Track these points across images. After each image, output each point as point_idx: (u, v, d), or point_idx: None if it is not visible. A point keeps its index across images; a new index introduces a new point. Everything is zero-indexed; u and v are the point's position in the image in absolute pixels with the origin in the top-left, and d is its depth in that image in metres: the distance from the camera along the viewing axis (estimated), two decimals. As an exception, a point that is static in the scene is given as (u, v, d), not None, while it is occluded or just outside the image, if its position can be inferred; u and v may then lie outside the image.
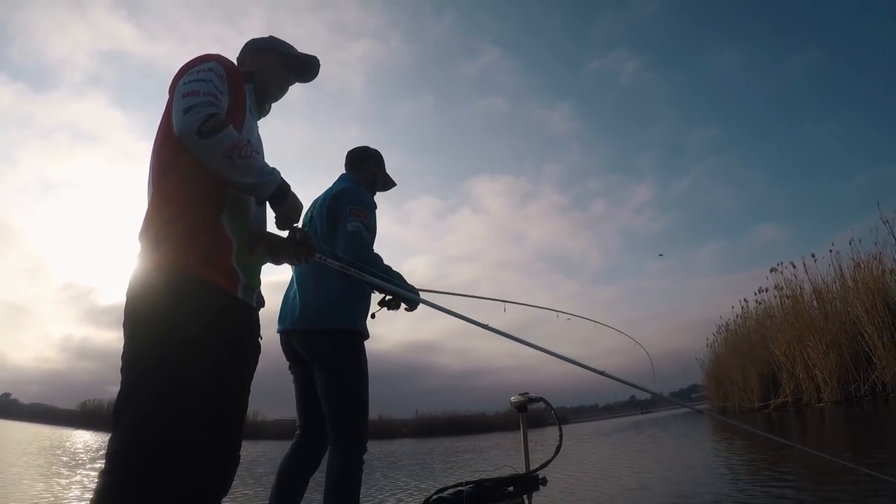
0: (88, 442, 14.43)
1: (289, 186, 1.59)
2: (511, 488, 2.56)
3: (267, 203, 1.65)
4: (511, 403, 2.78)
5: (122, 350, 1.40)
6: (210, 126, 1.40)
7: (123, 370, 1.37)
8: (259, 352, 1.67)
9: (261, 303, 1.69)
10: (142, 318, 1.40)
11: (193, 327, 1.39)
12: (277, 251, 1.81)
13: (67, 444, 13.64)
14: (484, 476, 2.62)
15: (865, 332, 8.98)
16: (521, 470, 2.69)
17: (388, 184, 2.90)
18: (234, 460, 1.54)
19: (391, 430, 29.53)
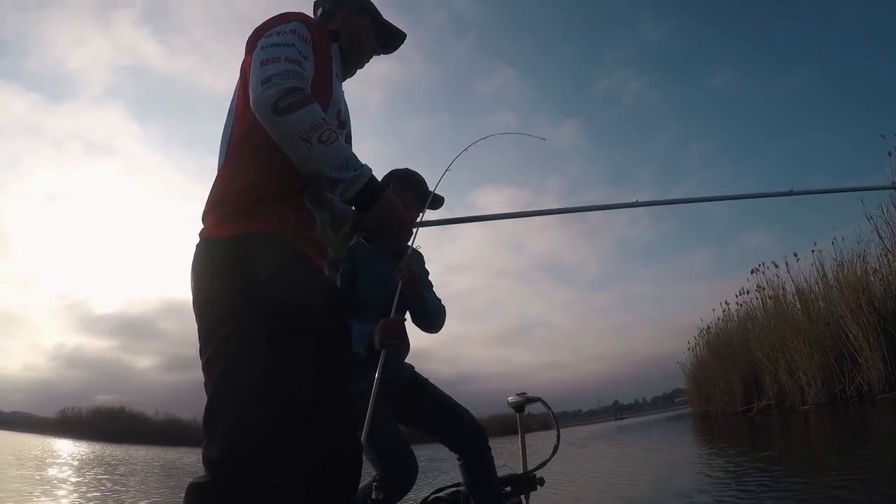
0: (73, 452, 13.91)
1: (383, 188, 1.28)
2: (508, 488, 2.52)
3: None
4: (508, 403, 2.74)
5: (199, 345, 1.21)
6: (289, 102, 1.19)
7: (210, 366, 1.17)
8: (351, 336, 1.54)
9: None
10: (227, 300, 1.19)
11: (291, 308, 1.21)
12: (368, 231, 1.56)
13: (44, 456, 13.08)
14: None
15: (850, 331, 8.94)
16: (519, 470, 2.65)
17: (434, 202, 2.54)
18: (356, 463, 1.37)
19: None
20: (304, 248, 1.29)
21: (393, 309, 2.15)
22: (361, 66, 1.66)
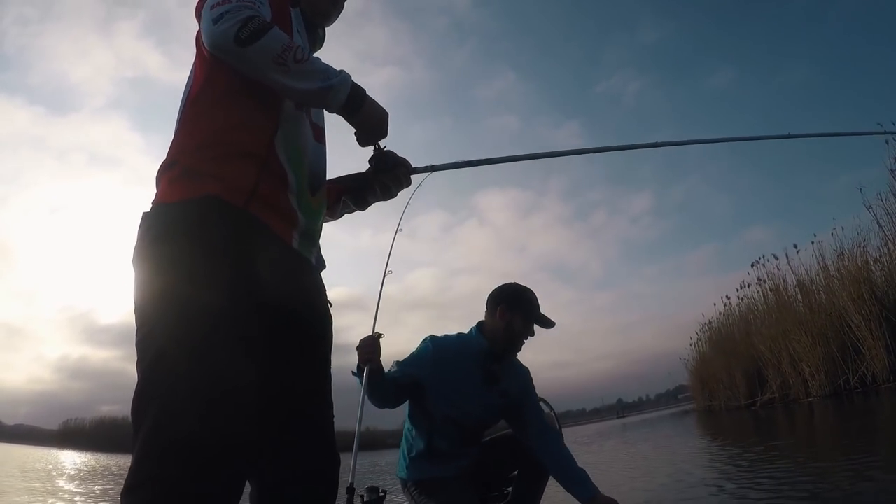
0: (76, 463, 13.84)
1: (363, 89, 1.24)
2: (511, 489, 2.50)
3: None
4: None
5: (135, 332, 1.07)
6: (250, 30, 1.10)
7: (143, 345, 1.03)
8: (330, 321, 1.30)
9: (321, 263, 1.32)
10: (166, 274, 1.06)
11: (231, 287, 1.05)
12: (361, 186, 1.45)
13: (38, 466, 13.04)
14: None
15: (853, 322, 8.89)
16: None
17: (541, 321, 2.39)
18: (325, 477, 1.21)
19: (377, 442, 29.16)
20: (265, 216, 1.15)
21: (374, 325, 2.18)
22: (331, 21, 1.52)
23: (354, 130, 1.31)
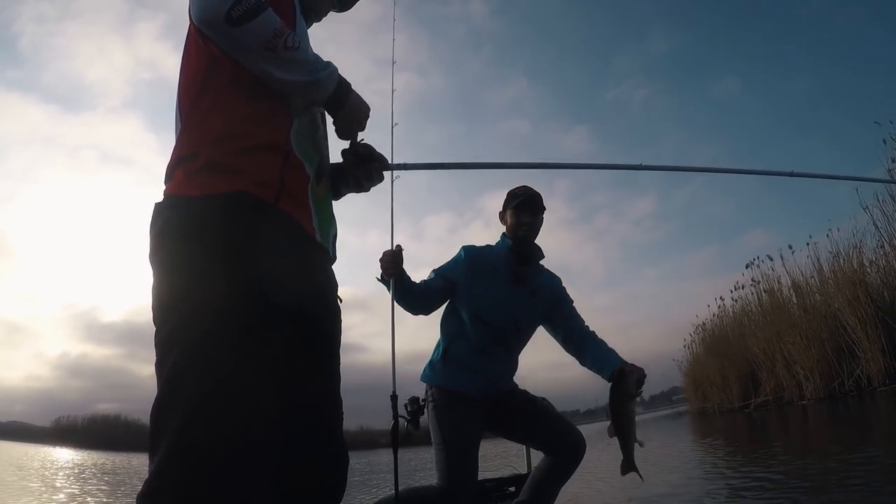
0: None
1: (349, 83, 1.24)
2: (512, 488, 2.54)
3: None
4: None
5: (152, 314, 1.03)
6: (242, 10, 1.05)
7: (165, 346, 0.99)
8: (340, 318, 1.28)
9: (335, 254, 1.31)
10: (190, 270, 1.01)
11: (257, 288, 1.01)
12: (336, 176, 1.42)
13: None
14: (485, 476, 2.53)
15: (848, 324, 8.91)
16: (523, 470, 2.65)
17: (516, 200, 2.51)
18: (331, 473, 1.19)
19: (371, 441, 29.16)
20: (294, 212, 1.13)
21: (391, 237, 2.23)
22: (320, 18, 1.49)
23: (334, 122, 1.30)
